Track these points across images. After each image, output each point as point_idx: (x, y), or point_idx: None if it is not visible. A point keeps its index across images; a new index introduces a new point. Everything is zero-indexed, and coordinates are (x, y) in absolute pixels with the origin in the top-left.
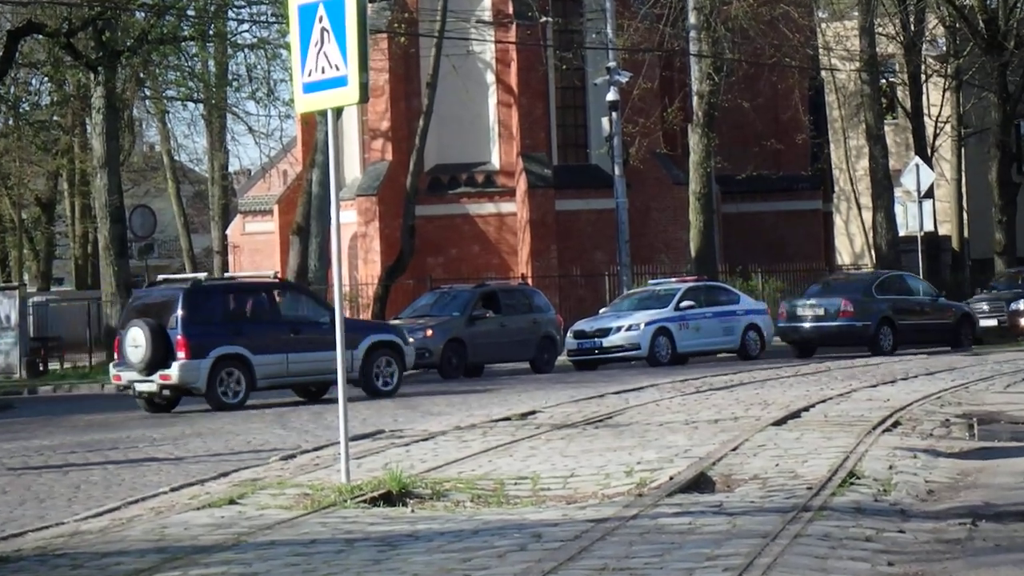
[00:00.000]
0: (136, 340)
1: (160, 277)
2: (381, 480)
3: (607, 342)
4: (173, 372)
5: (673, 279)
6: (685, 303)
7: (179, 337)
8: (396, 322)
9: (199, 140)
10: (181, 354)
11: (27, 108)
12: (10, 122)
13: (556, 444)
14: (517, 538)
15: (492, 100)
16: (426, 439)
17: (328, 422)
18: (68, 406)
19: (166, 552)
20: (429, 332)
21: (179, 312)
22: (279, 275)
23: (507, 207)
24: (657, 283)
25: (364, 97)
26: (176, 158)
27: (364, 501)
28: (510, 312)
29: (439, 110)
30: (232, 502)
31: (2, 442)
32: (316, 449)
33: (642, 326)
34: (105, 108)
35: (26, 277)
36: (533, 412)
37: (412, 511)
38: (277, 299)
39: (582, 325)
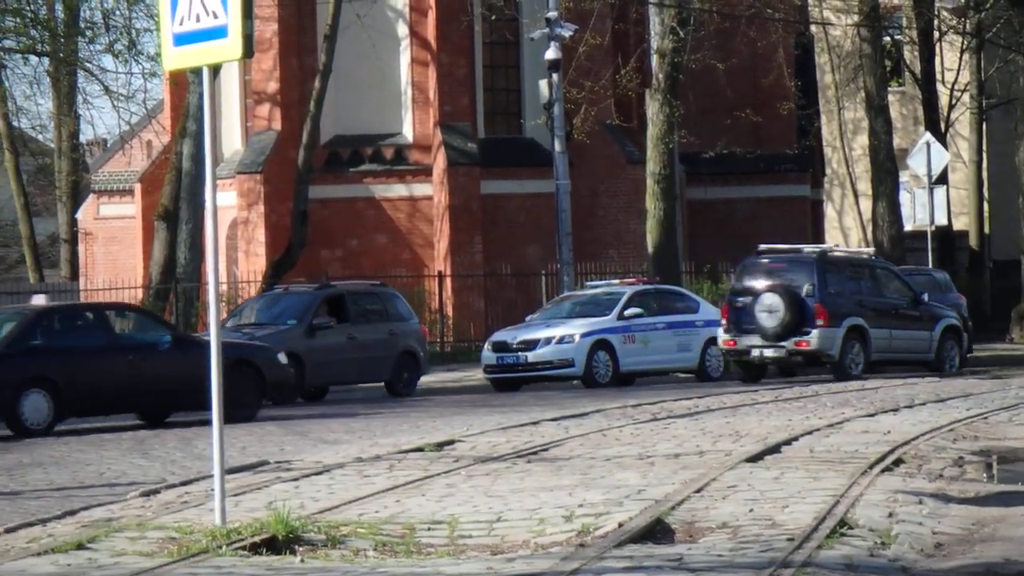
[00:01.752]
0: (773, 306)
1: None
2: (264, 522)
3: (533, 356)
4: (812, 339)
5: (617, 281)
6: (631, 311)
7: (817, 305)
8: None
9: (43, 102)
10: (820, 321)
11: None
12: None
13: (479, 481)
14: None
15: (404, 57)
16: (319, 473)
17: (199, 451)
18: None
19: None
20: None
21: (814, 280)
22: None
23: (421, 189)
24: (597, 285)
25: (248, 52)
26: (15, 124)
27: (243, 548)
28: (361, 321)
29: (340, 69)
30: (81, 547)
31: None
32: (184, 484)
33: (577, 338)
34: None
35: None
36: (451, 442)
37: (302, 561)
38: None
39: (503, 335)
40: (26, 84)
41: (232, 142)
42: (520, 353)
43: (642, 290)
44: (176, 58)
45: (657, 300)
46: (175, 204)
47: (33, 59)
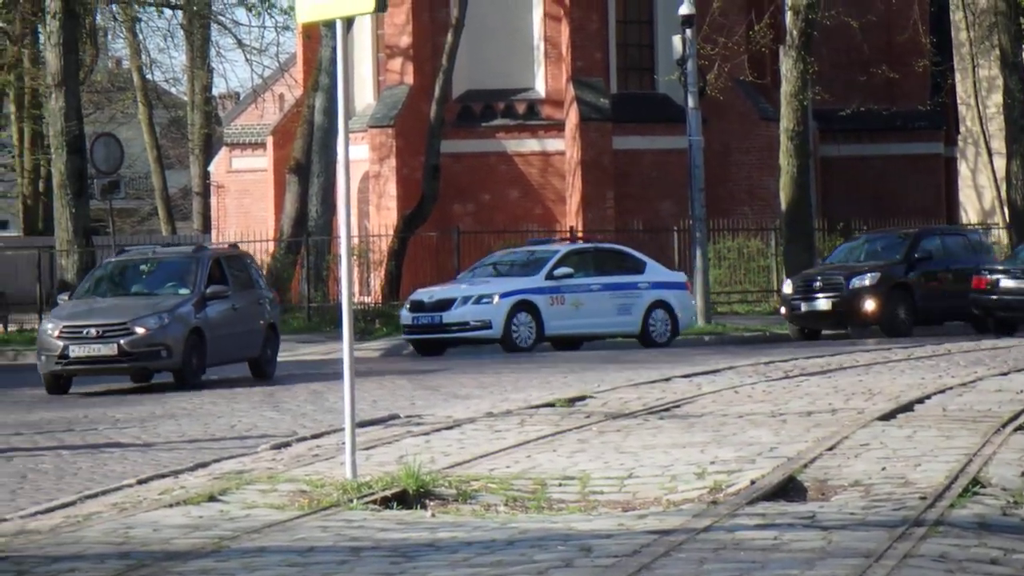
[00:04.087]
0: None
1: None
2: (395, 476)
3: (448, 317)
4: None
5: (557, 240)
6: (561, 270)
7: None
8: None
9: (177, 55)
10: None
11: None
12: None
13: (610, 437)
14: (561, 551)
15: (537, 12)
16: (450, 428)
17: (330, 404)
18: (12, 377)
19: (131, 558)
20: (165, 319)
21: None
22: None
23: (554, 144)
24: (535, 243)
25: (382, 5)
26: (149, 77)
27: (373, 502)
28: (238, 288)
29: (472, 23)
30: (212, 499)
31: None
32: (315, 437)
33: (496, 298)
34: (62, 13)
35: None
36: (582, 398)
37: (432, 515)
38: None
39: (420, 294)
40: (160, 37)
41: (364, 96)
42: (435, 313)
43: (577, 249)
44: (309, 11)
45: (596, 260)
46: (307, 157)
47: (167, 12)
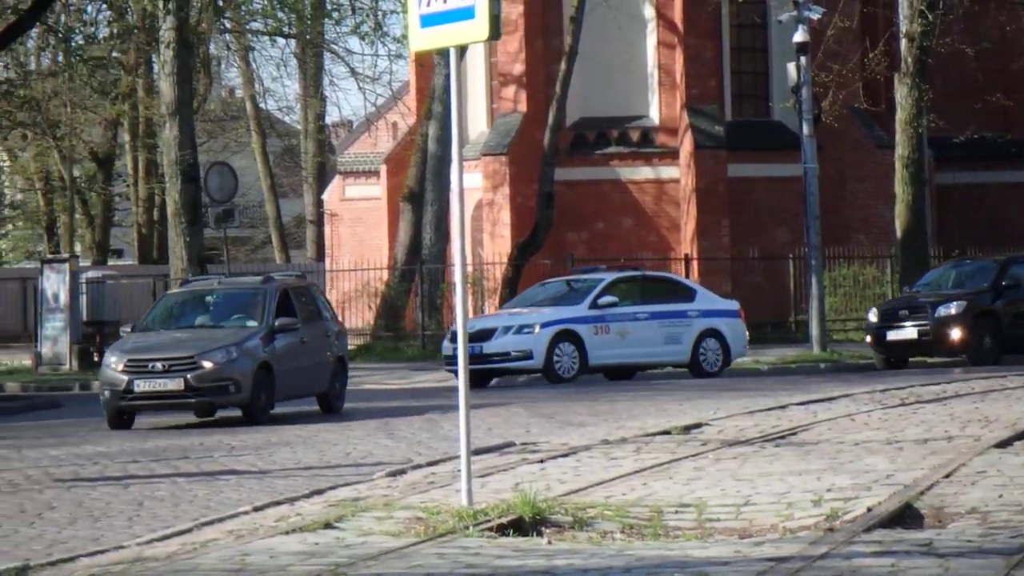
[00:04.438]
0: None
1: None
2: (511, 504)
3: (488, 348)
4: None
5: (604, 267)
6: (605, 299)
7: None
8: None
9: (290, 84)
10: None
11: (81, 42)
12: (60, 59)
13: (727, 465)
14: None
15: (651, 40)
16: (566, 455)
17: (445, 432)
18: None
19: None
20: (234, 353)
21: None
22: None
23: (668, 172)
24: (583, 271)
25: (495, 33)
26: (262, 105)
27: (489, 529)
28: (306, 320)
29: (585, 51)
30: (328, 526)
31: (48, 448)
32: (430, 464)
33: (537, 328)
34: (176, 43)
35: (78, 248)
36: (698, 425)
37: (548, 542)
38: None
39: None
40: (273, 66)
41: (478, 124)
42: (475, 344)
43: (624, 277)
44: (423, 39)
45: (643, 288)
46: (420, 185)
47: (280, 41)
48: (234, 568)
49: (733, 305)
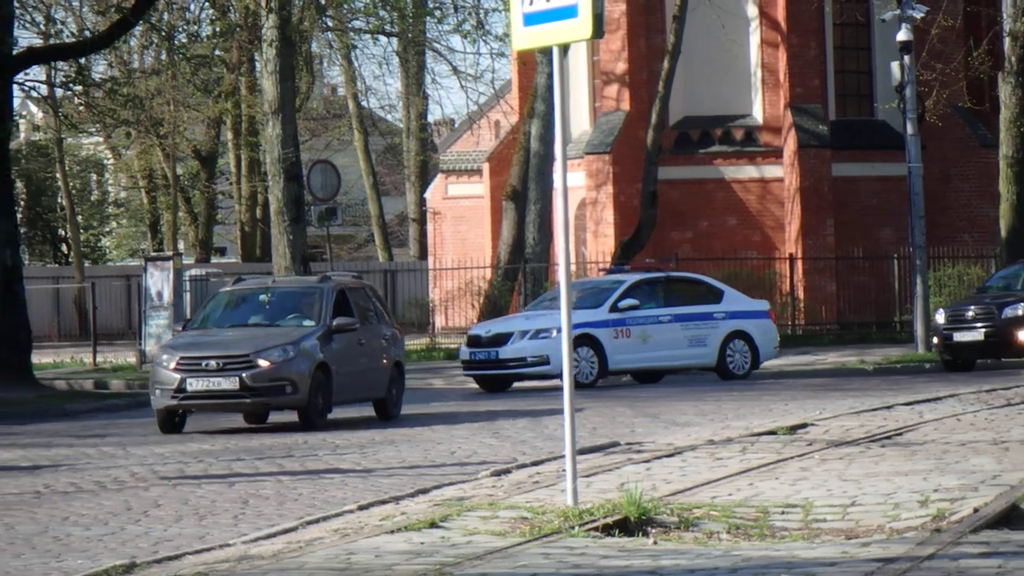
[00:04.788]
0: None
1: None
2: (616, 504)
3: (504, 353)
4: None
5: (628, 268)
6: (626, 302)
7: None
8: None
9: (392, 83)
10: None
11: (184, 40)
12: (163, 57)
13: (833, 465)
14: None
15: (754, 38)
16: (671, 455)
17: (550, 431)
18: None
19: None
20: (290, 353)
21: None
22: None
23: (772, 171)
24: (610, 271)
25: (598, 32)
26: (364, 104)
27: (595, 529)
28: (364, 321)
29: (688, 50)
30: (433, 525)
31: (153, 445)
32: (535, 464)
33: (554, 333)
34: (278, 42)
35: (182, 246)
36: (804, 425)
37: (654, 543)
38: None
39: (478, 329)
40: (375, 64)
41: (580, 122)
42: (492, 349)
43: (647, 279)
44: (525, 38)
45: (667, 290)
46: (523, 184)
47: (382, 40)
48: (340, 567)
49: (762, 306)
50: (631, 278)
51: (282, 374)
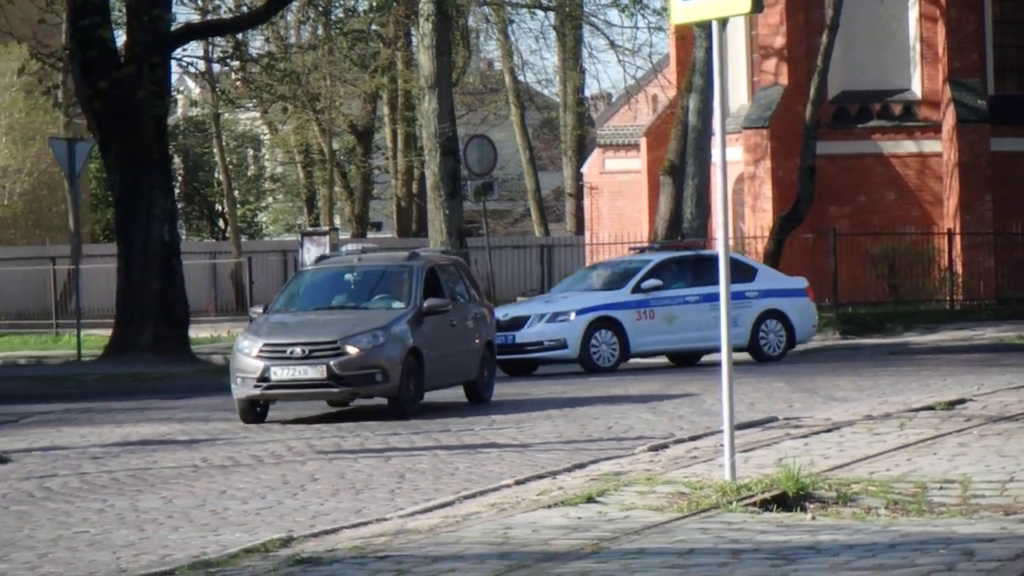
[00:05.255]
0: None
1: None
2: (774, 479)
3: (521, 337)
4: None
5: (656, 247)
6: (649, 283)
7: None
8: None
9: (549, 57)
10: None
11: (340, 15)
12: (320, 32)
13: (991, 441)
14: (943, 555)
15: (912, 12)
16: (829, 430)
17: (708, 406)
18: None
19: (510, 558)
20: (380, 339)
21: None
22: None
23: (930, 146)
24: (637, 255)
25: (757, 6)
26: (521, 78)
27: (752, 504)
28: (454, 300)
29: (846, 24)
30: (590, 500)
31: (309, 421)
32: (692, 439)
33: (572, 315)
34: (435, 16)
35: (338, 220)
36: (962, 401)
37: (812, 518)
38: None
39: (497, 312)
40: (532, 39)
41: (738, 97)
42: (508, 332)
43: (673, 258)
44: (685, 12)
45: (695, 270)
46: (681, 159)
47: (539, 14)
48: (497, 542)
49: (799, 283)
50: (657, 258)
51: (372, 361)
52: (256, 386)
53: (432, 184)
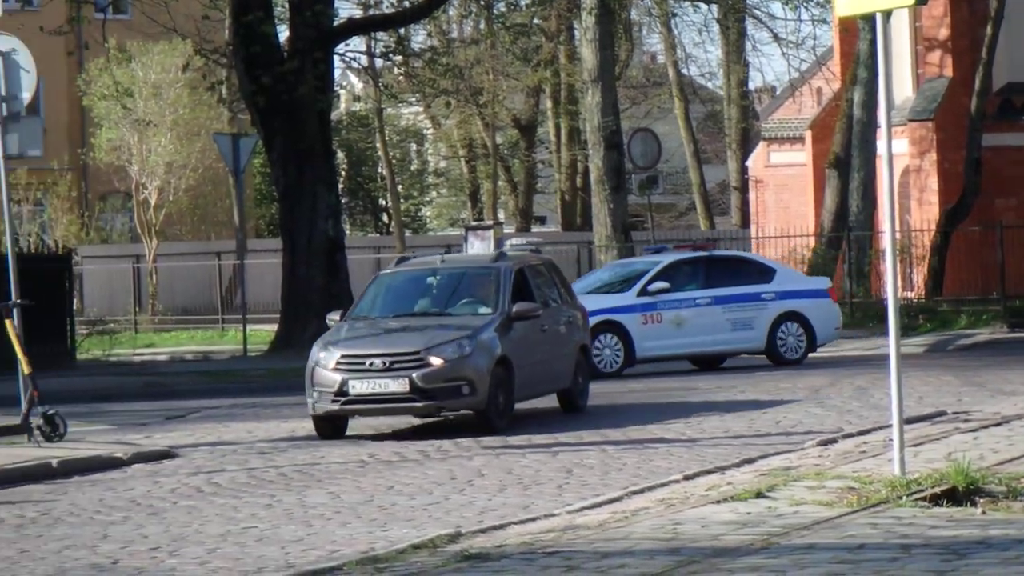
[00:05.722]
0: None
1: None
2: (943, 473)
3: None
4: None
5: (671, 246)
6: (656, 285)
7: None
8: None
9: (713, 50)
10: None
11: (503, 9)
12: (482, 26)
13: None
14: None
15: None
16: (998, 424)
17: (875, 400)
18: None
19: (679, 554)
20: (467, 348)
21: None
22: None
23: None
24: (656, 250)
25: None
26: (684, 72)
27: (922, 499)
28: (545, 304)
29: (1012, 15)
30: (759, 495)
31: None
32: (861, 433)
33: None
34: (598, 9)
35: (502, 215)
36: None
37: (982, 513)
38: None
39: None
40: (695, 32)
41: (902, 89)
42: None
43: (685, 259)
44: (849, 4)
45: (708, 271)
46: (846, 152)
47: (702, 7)
48: (666, 537)
49: (821, 284)
50: (666, 259)
51: (458, 373)
52: (334, 401)
53: (596, 178)
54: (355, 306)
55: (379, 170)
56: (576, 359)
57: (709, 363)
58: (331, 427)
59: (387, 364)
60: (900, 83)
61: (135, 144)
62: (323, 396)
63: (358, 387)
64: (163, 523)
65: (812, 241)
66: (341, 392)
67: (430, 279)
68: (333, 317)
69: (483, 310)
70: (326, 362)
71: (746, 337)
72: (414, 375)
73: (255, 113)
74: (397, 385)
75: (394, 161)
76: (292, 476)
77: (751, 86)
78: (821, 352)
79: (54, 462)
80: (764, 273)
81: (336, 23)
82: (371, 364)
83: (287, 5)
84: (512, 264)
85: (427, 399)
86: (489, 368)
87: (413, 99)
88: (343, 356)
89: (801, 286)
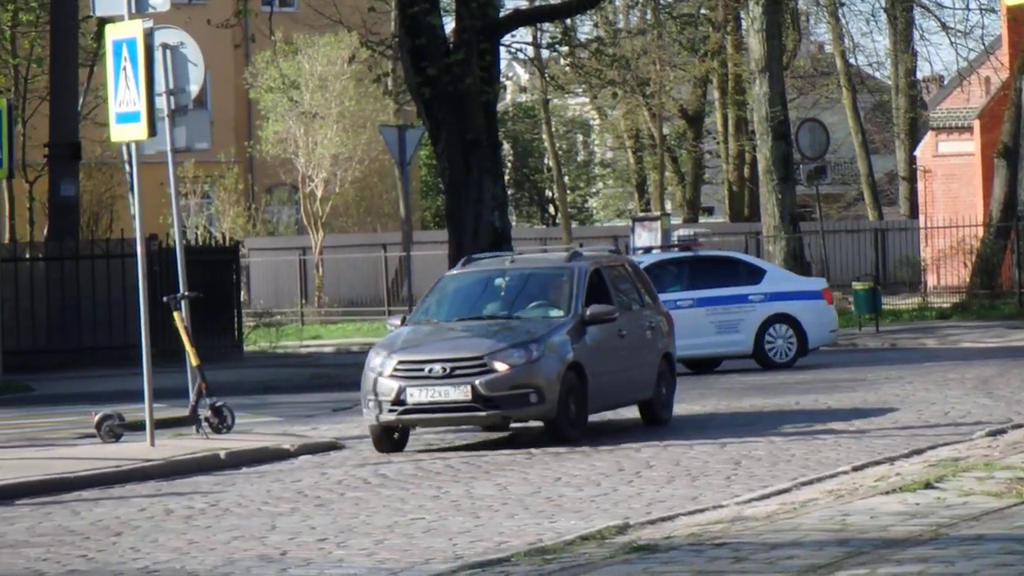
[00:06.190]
0: None
1: None
2: None
3: None
4: None
5: (656, 249)
6: None
7: None
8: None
9: (880, 39)
10: None
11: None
12: (649, 16)
13: None
14: None
15: None
16: None
17: None
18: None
19: (848, 545)
20: (535, 353)
21: None
22: None
23: None
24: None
25: None
26: (851, 61)
27: None
28: (624, 307)
29: None
30: (928, 486)
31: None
32: None
33: None
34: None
35: (669, 206)
36: None
37: None
38: None
39: None
40: (862, 21)
41: None
42: None
43: (666, 259)
44: None
45: (693, 272)
46: (1015, 141)
47: None
48: (834, 528)
49: (815, 285)
50: (648, 260)
51: (524, 379)
52: (391, 410)
53: (764, 168)
54: (416, 309)
55: (545, 161)
56: (659, 368)
57: (702, 366)
58: (389, 439)
59: (448, 370)
60: None
61: (301, 136)
62: (379, 405)
63: (416, 395)
64: (330, 514)
65: (980, 231)
66: (398, 401)
67: (498, 280)
68: (393, 322)
69: (554, 313)
70: (382, 368)
71: (732, 340)
72: (477, 382)
73: (421, 105)
74: (458, 393)
75: (560, 152)
76: (459, 468)
77: (919, 75)
78: (991, 342)
79: (222, 453)
80: (753, 274)
81: (502, 14)
82: (430, 370)
83: None
84: (587, 264)
85: (491, 408)
86: (559, 374)
87: (579, 90)
88: (400, 362)
89: (792, 287)
